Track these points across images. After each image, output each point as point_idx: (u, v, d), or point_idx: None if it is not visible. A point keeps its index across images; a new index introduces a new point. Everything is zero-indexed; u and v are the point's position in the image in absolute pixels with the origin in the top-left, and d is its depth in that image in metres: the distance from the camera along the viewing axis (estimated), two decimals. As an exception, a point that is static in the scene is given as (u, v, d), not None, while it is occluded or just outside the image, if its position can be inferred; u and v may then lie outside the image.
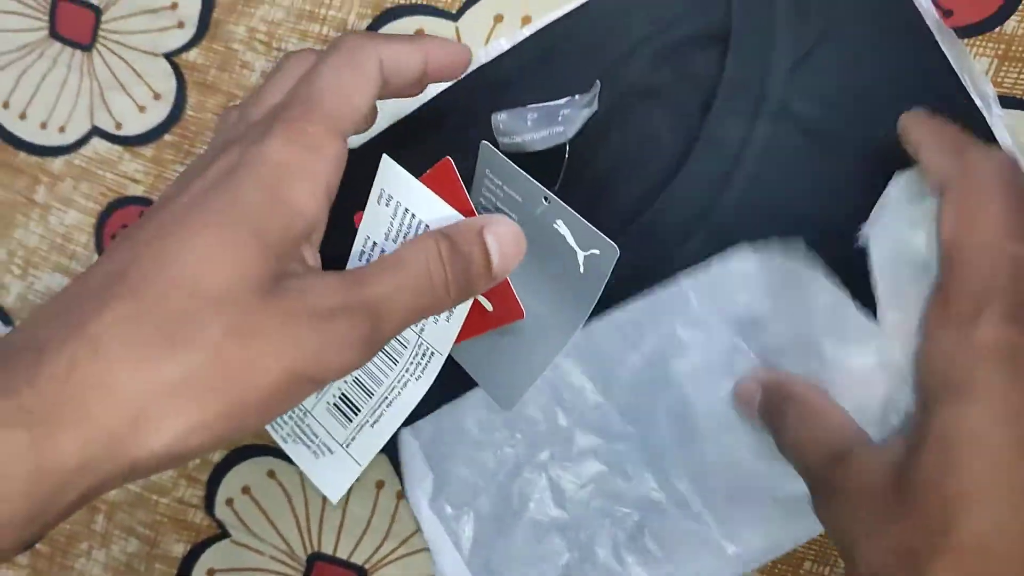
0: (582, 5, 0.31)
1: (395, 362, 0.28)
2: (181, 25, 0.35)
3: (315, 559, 0.35)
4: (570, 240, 0.26)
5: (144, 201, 0.37)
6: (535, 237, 0.26)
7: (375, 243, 0.27)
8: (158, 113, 0.36)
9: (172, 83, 0.36)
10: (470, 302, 0.26)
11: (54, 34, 0.37)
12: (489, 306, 0.27)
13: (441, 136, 0.32)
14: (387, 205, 0.26)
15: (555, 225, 0.26)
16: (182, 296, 0.20)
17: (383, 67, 0.24)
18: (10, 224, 0.38)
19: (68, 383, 0.19)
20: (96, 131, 0.37)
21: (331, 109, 0.23)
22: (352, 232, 0.27)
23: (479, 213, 0.26)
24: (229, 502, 0.36)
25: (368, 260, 0.27)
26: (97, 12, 0.36)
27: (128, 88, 0.36)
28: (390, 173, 0.25)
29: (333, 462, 0.29)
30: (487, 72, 0.32)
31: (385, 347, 0.28)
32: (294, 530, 0.36)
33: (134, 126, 0.36)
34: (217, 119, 0.28)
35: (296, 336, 0.21)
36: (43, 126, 0.37)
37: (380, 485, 0.35)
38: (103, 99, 0.36)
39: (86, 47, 0.36)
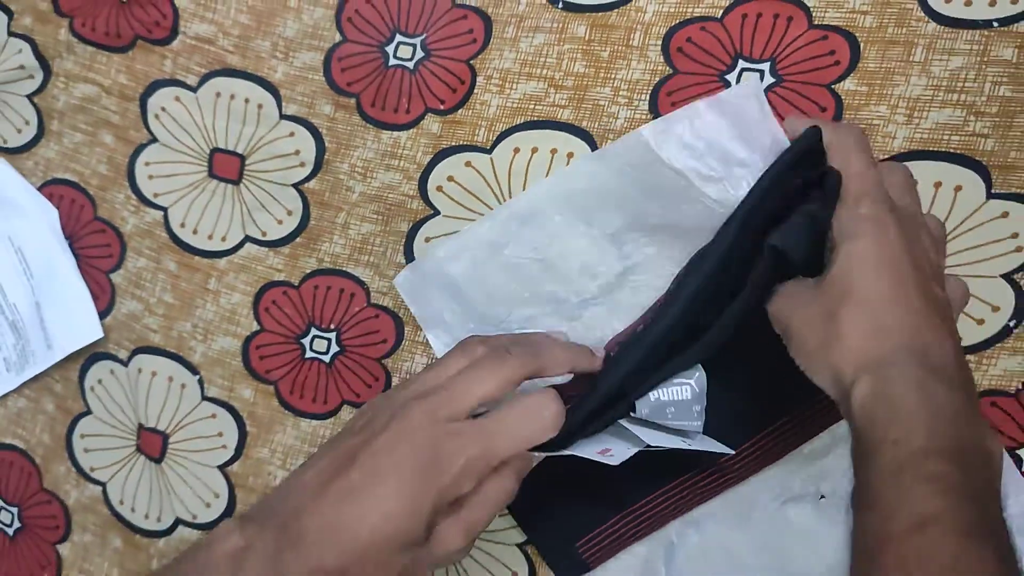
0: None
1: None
2: (303, 165, 0.52)
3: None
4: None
5: (285, 284, 0.53)
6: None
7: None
8: (291, 224, 0.53)
9: (299, 204, 0.53)
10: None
11: (212, 175, 0.54)
12: None
13: None
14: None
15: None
16: (373, 547, 0.34)
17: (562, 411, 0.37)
18: (192, 306, 0.55)
19: None
20: (248, 239, 0.54)
21: (499, 460, 0.36)
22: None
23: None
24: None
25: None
26: (242, 158, 0.53)
27: (268, 208, 0.53)
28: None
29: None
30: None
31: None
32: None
33: (275, 233, 0.53)
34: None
35: (434, 561, 0.36)
36: (210, 237, 0.54)
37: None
38: (251, 217, 0.53)
39: (236, 182, 0.53)
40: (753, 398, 0.45)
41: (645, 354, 0.40)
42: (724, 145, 0.42)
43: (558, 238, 0.47)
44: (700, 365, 0.41)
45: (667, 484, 0.46)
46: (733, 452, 0.43)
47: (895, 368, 0.33)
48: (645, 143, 0.43)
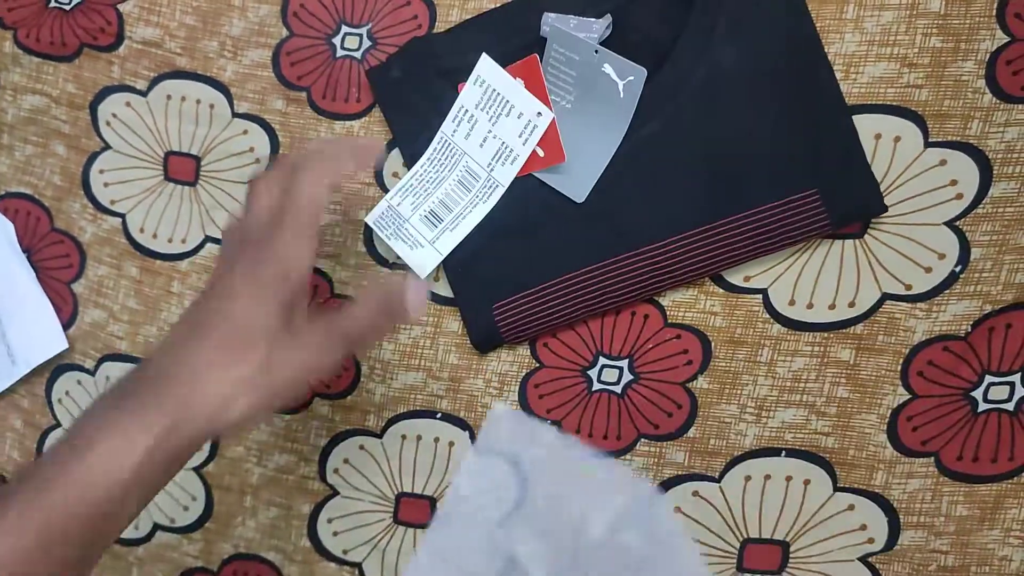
0: None
1: (468, 190, 0.47)
2: (258, 161, 0.52)
3: (401, 496, 0.54)
4: (613, 75, 0.44)
5: None
6: (587, 82, 0.45)
7: (467, 110, 0.46)
8: None
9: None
10: (530, 149, 0.46)
11: (168, 178, 0.54)
12: (541, 152, 0.46)
13: (503, 30, 0.47)
14: (480, 86, 0.45)
15: (603, 68, 0.44)
16: (242, 332, 0.36)
17: (333, 182, 0.38)
18: (157, 309, 0.55)
19: (181, 397, 0.35)
20: (208, 239, 0.54)
21: (309, 218, 0.37)
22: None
23: (546, 70, 0.45)
24: (336, 471, 0.54)
25: (459, 123, 0.47)
26: (198, 159, 0.53)
27: (226, 207, 0.53)
28: (487, 65, 0.45)
29: (423, 253, 0.48)
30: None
31: (461, 179, 0.47)
32: (383, 480, 0.53)
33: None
34: (224, 230, 0.42)
35: (302, 355, 0.37)
36: (170, 240, 0.54)
37: (451, 444, 0.53)
38: (210, 216, 0.53)
39: (192, 183, 0.53)
40: (702, 190, 0.45)
41: None
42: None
43: None
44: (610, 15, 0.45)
45: (595, 262, 0.46)
46: (644, 71, 0.44)
47: None
48: None
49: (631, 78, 0.44)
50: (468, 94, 0.46)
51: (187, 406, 0.34)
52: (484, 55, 0.46)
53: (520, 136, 0.46)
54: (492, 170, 0.47)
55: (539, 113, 0.45)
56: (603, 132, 0.46)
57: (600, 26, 0.45)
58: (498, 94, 0.46)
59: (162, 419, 0.34)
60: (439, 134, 0.47)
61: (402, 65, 0.48)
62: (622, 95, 0.45)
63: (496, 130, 0.46)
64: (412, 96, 0.48)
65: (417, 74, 0.48)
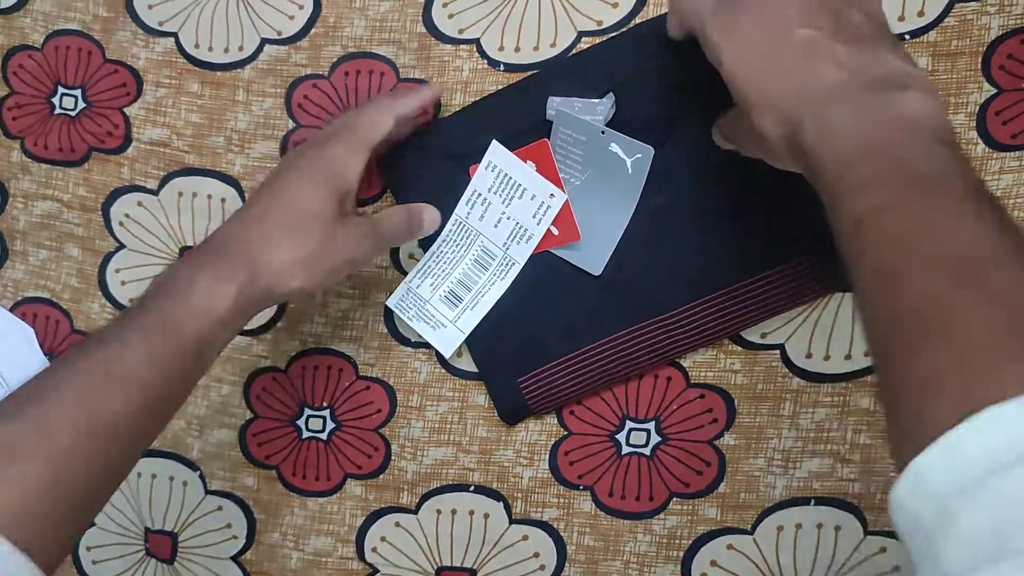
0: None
1: (485, 269, 0.48)
2: None
3: (441, 571, 0.54)
4: (620, 153, 0.46)
5: (272, 369, 0.54)
6: (596, 161, 0.46)
7: (480, 194, 0.48)
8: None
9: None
10: (544, 229, 0.47)
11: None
12: (556, 231, 0.48)
13: (509, 117, 0.49)
14: (492, 171, 0.47)
15: (610, 147, 0.46)
16: (300, 216, 0.41)
17: (395, 112, 0.45)
18: (184, 403, 0.55)
19: (253, 263, 0.40)
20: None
21: (365, 134, 0.44)
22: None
23: (555, 151, 0.47)
24: (374, 549, 0.55)
25: (473, 205, 0.48)
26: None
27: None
28: (498, 151, 0.47)
29: (445, 332, 0.49)
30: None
31: (477, 258, 0.49)
32: (422, 555, 0.54)
33: (255, 321, 0.54)
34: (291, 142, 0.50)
35: (350, 241, 0.42)
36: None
37: (486, 516, 0.54)
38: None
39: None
40: (712, 258, 0.47)
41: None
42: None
43: None
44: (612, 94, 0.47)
45: (616, 332, 0.48)
46: (652, 149, 0.45)
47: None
48: None
49: (638, 156, 0.46)
50: (480, 178, 0.48)
51: (258, 268, 0.40)
52: (494, 141, 0.47)
53: (534, 217, 0.47)
54: (508, 249, 0.48)
55: (552, 195, 0.47)
56: (614, 207, 0.47)
57: (604, 107, 0.46)
58: (510, 178, 0.47)
59: (242, 272, 0.40)
60: (454, 216, 0.49)
61: (413, 151, 0.50)
62: (631, 172, 0.46)
63: (510, 211, 0.48)
64: (424, 181, 0.50)
65: (428, 159, 0.49)
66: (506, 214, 0.48)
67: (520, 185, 0.47)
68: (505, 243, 0.48)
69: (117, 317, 0.40)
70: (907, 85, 0.32)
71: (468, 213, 0.48)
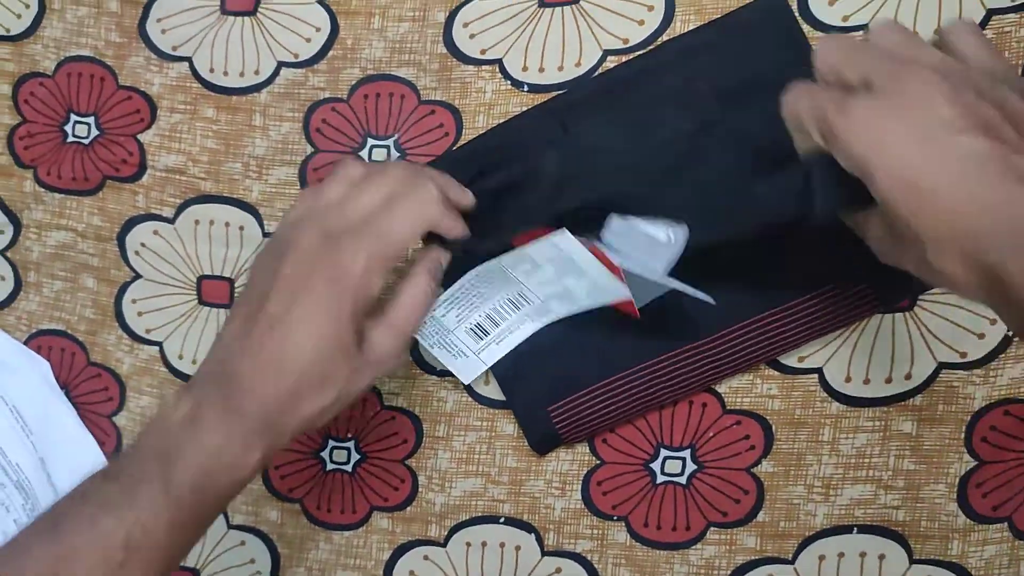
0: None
1: (518, 309, 0.46)
2: None
3: (470, 602, 0.53)
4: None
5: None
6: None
7: (533, 258, 0.42)
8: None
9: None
10: (595, 305, 0.44)
11: (203, 302, 0.53)
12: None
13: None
14: (554, 248, 0.41)
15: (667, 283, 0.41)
16: (323, 365, 0.37)
17: (435, 223, 0.39)
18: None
19: (274, 426, 0.37)
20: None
21: (394, 251, 0.38)
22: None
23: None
24: None
25: (520, 262, 0.43)
26: (231, 282, 0.53)
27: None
28: (566, 239, 0.41)
29: (467, 362, 0.47)
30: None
31: (512, 299, 0.46)
32: None
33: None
34: (300, 197, 0.41)
35: (372, 371, 0.39)
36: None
37: (517, 549, 0.52)
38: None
39: (228, 306, 0.53)
40: (750, 282, 0.45)
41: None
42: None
43: None
44: (685, 225, 0.41)
45: (651, 359, 0.46)
46: (712, 302, 0.42)
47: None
48: None
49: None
50: (539, 250, 0.43)
51: (280, 430, 0.37)
52: (565, 231, 0.42)
53: (588, 296, 0.44)
54: (548, 302, 0.46)
55: (615, 292, 0.43)
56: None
57: (671, 249, 0.41)
58: (573, 261, 0.43)
59: (266, 436, 0.37)
60: (495, 261, 0.45)
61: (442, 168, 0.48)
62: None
63: (563, 282, 0.45)
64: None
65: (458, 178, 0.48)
66: (559, 282, 0.45)
67: (582, 270, 0.43)
68: (547, 297, 0.46)
69: (124, 464, 0.37)
70: None
71: (513, 266, 0.45)
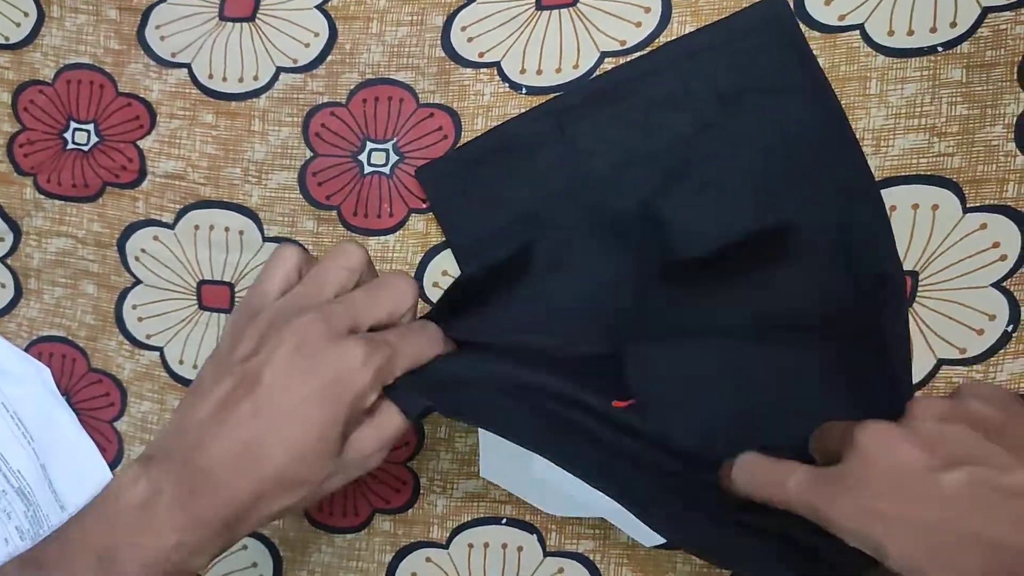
0: None
1: None
2: (294, 283, 0.52)
3: (473, 605, 0.53)
4: None
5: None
6: None
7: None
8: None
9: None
10: None
11: (203, 307, 0.53)
12: None
13: None
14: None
15: None
16: (295, 469, 0.34)
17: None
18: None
19: (240, 520, 0.34)
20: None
21: (398, 373, 0.37)
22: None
23: None
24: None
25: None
26: (231, 286, 0.53)
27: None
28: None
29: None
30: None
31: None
32: None
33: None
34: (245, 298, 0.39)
35: (349, 473, 0.36)
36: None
37: (519, 549, 0.52)
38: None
39: (227, 311, 0.53)
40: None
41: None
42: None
43: None
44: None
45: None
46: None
47: None
48: None
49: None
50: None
51: (245, 524, 0.35)
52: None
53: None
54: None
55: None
56: None
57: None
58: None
59: (218, 548, 0.35)
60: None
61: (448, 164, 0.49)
62: None
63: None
64: (463, 184, 0.48)
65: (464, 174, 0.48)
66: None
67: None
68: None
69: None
70: None
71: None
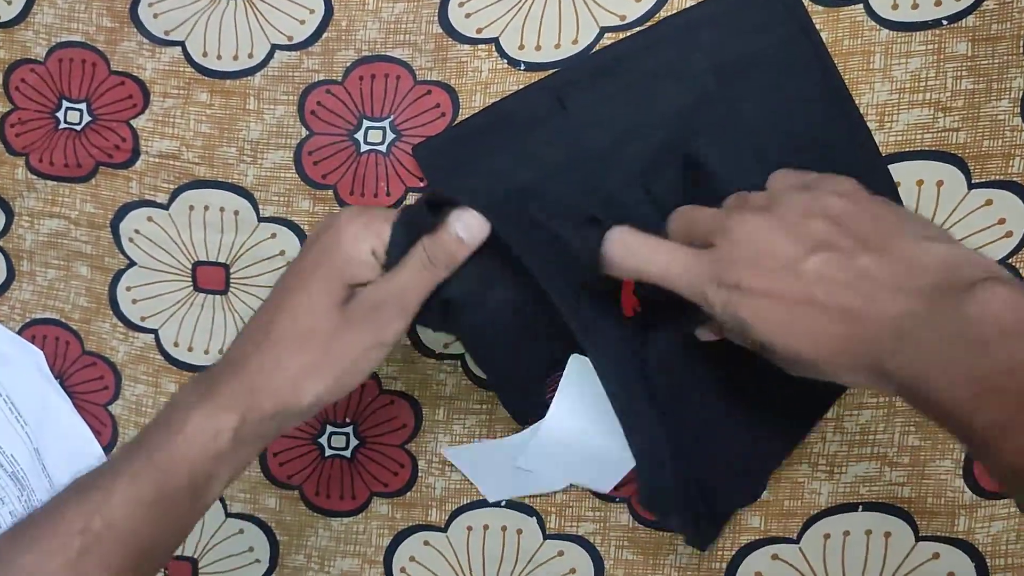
0: None
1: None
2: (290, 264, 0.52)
3: (471, 589, 0.52)
4: None
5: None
6: None
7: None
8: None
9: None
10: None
11: (198, 288, 0.53)
12: None
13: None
14: None
15: None
16: (301, 324, 0.37)
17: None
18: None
19: (253, 388, 0.36)
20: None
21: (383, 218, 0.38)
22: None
23: None
24: (403, 570, 0.52)
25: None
26: (227, 267, 0.52)
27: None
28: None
29: None
30: None
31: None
32: (452, 574, 0.52)
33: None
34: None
35: (360, 336, 0.37)
36: (206, 352, 0.53)
37: (519, 532, 0.52)
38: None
39: (223, 292, 0.52)
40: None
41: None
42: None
43: None
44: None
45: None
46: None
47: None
48: None
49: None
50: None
51: (260, 393, 0.36)
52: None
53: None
54: None
55: None
56: None
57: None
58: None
59: (242, 400, 0.36)
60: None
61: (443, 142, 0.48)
62: None
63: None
64: (461, 161, 0.48)
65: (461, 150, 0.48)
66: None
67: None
68: None
69: (111, 458, 0.38)
70: (971, 281, 0.29)
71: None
